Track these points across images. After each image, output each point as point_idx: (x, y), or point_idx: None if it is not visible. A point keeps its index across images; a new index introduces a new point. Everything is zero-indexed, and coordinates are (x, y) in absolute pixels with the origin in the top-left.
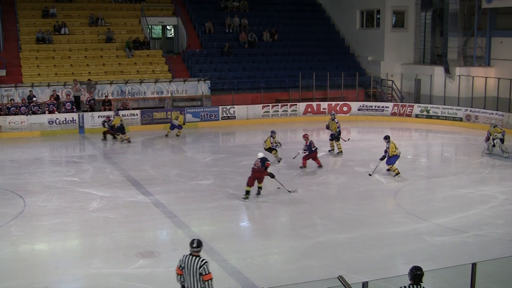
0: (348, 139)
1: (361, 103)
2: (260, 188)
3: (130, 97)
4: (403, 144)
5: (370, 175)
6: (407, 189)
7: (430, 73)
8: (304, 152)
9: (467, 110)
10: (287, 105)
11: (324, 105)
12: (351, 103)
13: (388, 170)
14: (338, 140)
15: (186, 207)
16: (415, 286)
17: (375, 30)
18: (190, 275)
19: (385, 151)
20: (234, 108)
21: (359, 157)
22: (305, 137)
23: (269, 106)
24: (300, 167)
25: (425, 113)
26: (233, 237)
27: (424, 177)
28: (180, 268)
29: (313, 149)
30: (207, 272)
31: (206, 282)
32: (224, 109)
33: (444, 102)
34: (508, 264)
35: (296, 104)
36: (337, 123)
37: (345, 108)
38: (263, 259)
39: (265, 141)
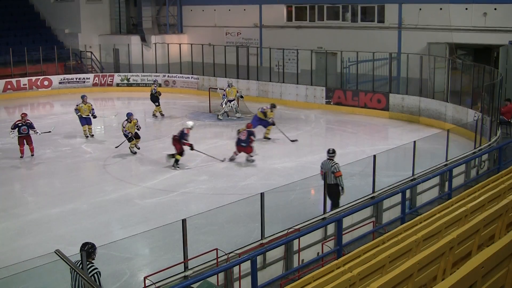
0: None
1: (62, 76)
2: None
3: None
4: (107, 114)
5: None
6: (114, 157)
7: (127, 43)
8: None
9: (165, 76)
10: None
11: (24, 80)
12: (52, 77)
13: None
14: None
15: None
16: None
17: (70, 3)
18: (328, 173)
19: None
20: None
21: (64, 130)
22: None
23: None
24: None
25: (125, 81)
26: None
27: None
28: (322, 170)
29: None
30: (337, 170)
31: (338, 178)
32: None
33: (143, 70)
34: (213, 215)
35: None
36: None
37: (46, 83)
38: None
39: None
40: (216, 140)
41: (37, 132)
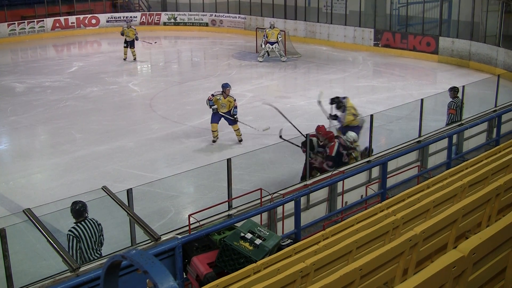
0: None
1: (109, 15)
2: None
3: None
4: (154, 52)
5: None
6: (161, 96)
7: None
8: None
9: (212, 15)
10: (33, 21)
11: (72, 19)
12: (99, 15)
13: None
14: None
15: None
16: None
17: None
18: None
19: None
20: None
21: (111, 69)
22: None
23: (14, 24)
24: None
25: (172, 20)
26: None
27: (176, 83)
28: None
29: None
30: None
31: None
32: None
33: (190, 9)
34: (258, 155)
35: (43, 20)
36: (134, 29)
37: (93, 21)
38: (26, 180)
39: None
40: (261, 80)
41: None
